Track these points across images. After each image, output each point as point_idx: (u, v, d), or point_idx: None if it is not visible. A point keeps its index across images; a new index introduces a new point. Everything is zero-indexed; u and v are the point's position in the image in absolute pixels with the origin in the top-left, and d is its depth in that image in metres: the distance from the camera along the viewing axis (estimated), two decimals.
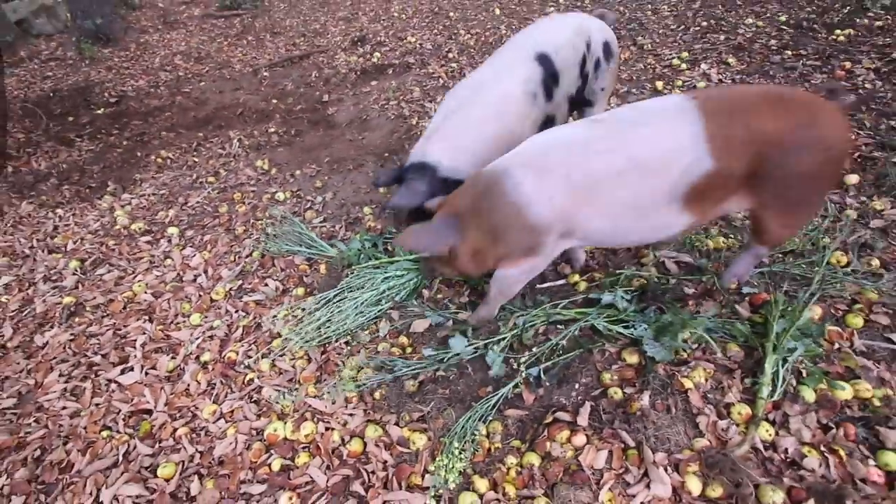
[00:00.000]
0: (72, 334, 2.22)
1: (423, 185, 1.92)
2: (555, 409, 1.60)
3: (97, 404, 1.89)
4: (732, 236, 2.12)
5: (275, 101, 4.65)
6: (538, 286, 2.05)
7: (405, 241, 1.65)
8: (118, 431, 1.77)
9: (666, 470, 1.38)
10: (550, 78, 2.07)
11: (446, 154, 1.95)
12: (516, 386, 1.66)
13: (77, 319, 2.31)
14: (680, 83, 3.48)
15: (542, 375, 1.68)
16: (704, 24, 4.38)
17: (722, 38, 4.06)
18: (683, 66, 3.70)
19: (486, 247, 1.62)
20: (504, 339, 1.78)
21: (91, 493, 1.59)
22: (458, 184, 1.78)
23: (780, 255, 2.02)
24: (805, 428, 1.44)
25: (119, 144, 4.26)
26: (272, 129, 4.02)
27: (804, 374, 1.57)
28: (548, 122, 2.16)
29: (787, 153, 1.42)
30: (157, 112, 4.88)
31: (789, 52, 3.63)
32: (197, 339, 2.08)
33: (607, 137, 1.49)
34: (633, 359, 1.69)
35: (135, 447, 1.71)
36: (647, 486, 1.36)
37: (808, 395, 1.51)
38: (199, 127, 4.38)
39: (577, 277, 2.04)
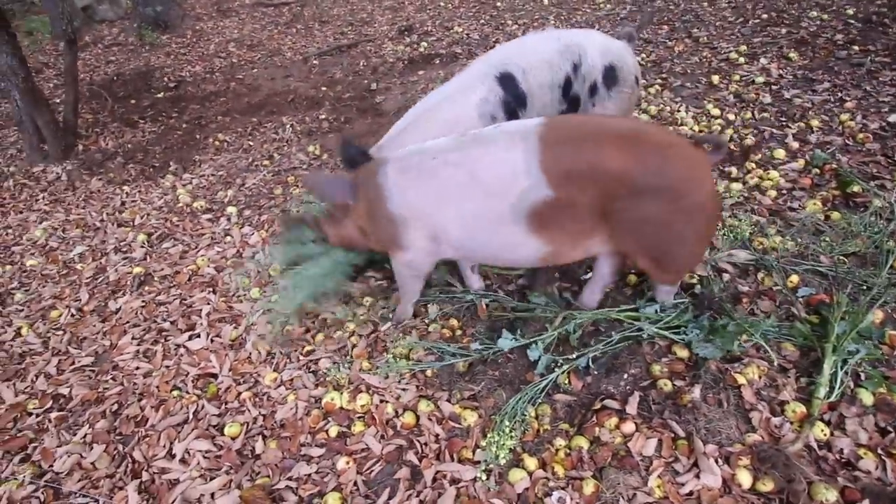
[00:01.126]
0: (143, 301, 2.39)
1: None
2: (603, 396, 1.63)
3: (167, 366, 2.03)
4: (791, 237, 2.08)
5: (324, 88, 4.78)
6: (584, 277, 2.07)
7: (310, 180, 1.91)
8: (187, 392, 1.91)
9: (716, 462, 1.40)
10: (514, 100, 1.94)
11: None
12: (565, 373, 1.69)
13: (147, 288, 2.48)
14: (737, 77, 3.39)
15: (591, 364, 1.71)
16: (765, 16, 4.23)
17: (783, 31, 3.91)
18: (741, 59, 3.59)
19: (365, 223, 1.77)
20: (551, 337, 1.79)
21: (164, 446, 1.72)
22: None
23: (842, 258, 1.96)
24: (862, 430, 1.43)
25: (179, 127, 4.48)
26: (322, 116, 4.14)
27: (863, 378, 1.55)
28: None
29: (634, 197, 1.40)
30: (212, 97, 5.09)
31: (856, 48, 3.46)
32: (257, 311, 2.20)
33: (460, 151, 1.55)
34: (683, 353, 1.70)
35: (203, 406, 1.84)
36: (697, 476, 1.38)
37: (867, 398, 1.49)
38: (253, 112, 4.55)
39: (632, 278, 2.02)
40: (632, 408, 1.57)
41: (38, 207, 3.49)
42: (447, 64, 4.53)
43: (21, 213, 3.46)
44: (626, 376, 1.69)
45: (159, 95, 5.31)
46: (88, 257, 2.84)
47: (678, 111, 3.14)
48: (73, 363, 2.12)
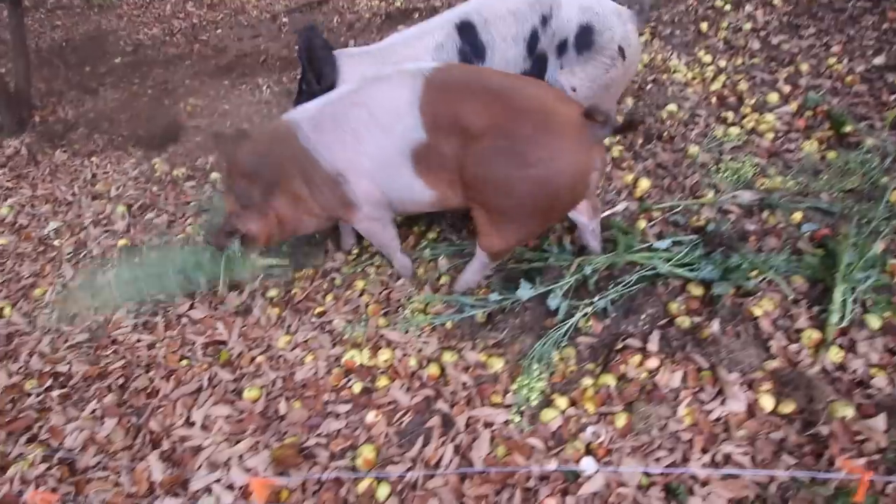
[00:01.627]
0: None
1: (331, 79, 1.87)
2: (624, 336, 1.66)
3: (171, 337, 1.95)
4: (792, 178, 2.12)
5: (296, 46, 4.52)
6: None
7: (221, 144, 1.85)
8: (197, 360, 1.84)
9: (740, 388, 1.45)
10: (471, 50, 1.82)
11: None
12: (585, 317, 1.70)
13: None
14: (725, 24, 3.37)
15: (609, 307, 1.73)
16: None
17: None
18: (727, 7, 3.57)
19: (304, 194, 1.71)
20: (568, 283, 1.79)
21: (181, 415, 1.67)
22: None
23: (840, 194, 2.02)
24: (872, 352, 1.50)
25: (143, 93, 4.19)
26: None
27: (869, 304, 1.61)
28: None
29: (482, 153, 1.39)
30: (176, 60, 4.76)
31: None
32: (258, 276, 2.12)
33: (361, 90, 1.56)
34: (698, 291, 1.73)
35: (216, 374, 1.78)
36: (723, 403, 1.43)
37: (875, 322, 1.56)
38: (223, 75, 4.29)
39: (641, 223, 2.03)
40: (653, 345, 1.60)
41: (8, 184, 3.24)
42: (427, 18, 4.34)
43: None
44: (643, 316, 1.71)
45: (117, 61, 4.94)
46: (65, 233, 2.66)
47: (670, 59, 3.12)
48: (67, 340, 2.01)
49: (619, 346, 1.63)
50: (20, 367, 1.92)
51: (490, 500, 1.33)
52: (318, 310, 1.94)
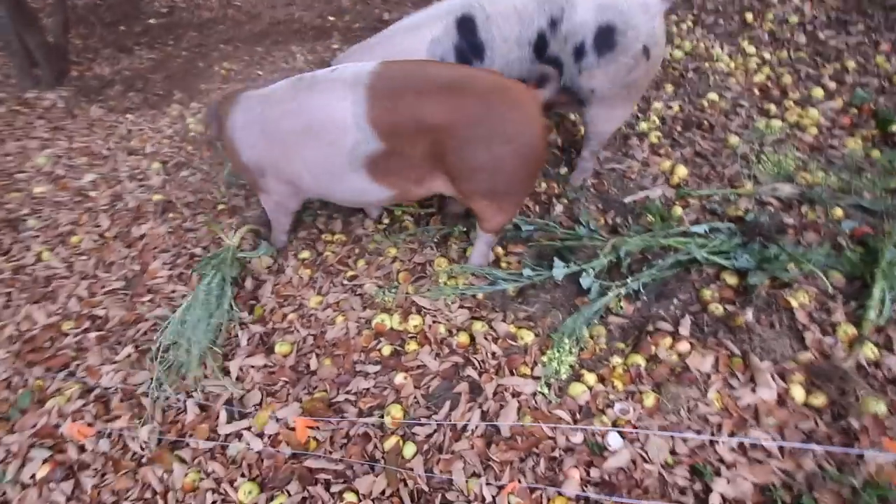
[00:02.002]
0: (169, 227, 2.31)
1: None
2: (655, 319, 1.66)
3: None
4: (833, 173, 2.08)
5: (331, 17, 4.51)
6: (626, 200, 2.07)
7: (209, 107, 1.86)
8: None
9: (772, 377, 1.44)
10: (469, 48, 1.69)
11: None
12: (617, 298, 1.70)
13: (171, 215, 2.40)
14: (771, 16, 3.28)
15: (641, 289, 1.72)
16: None
17: None
18: None
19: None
20: (601, 264, 1.79)
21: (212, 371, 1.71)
22: None
23: (883, 193, 1.98)
24: None
25: (178, 55, 4.21)
26: (335, 46, 3.92)
27: None
28: None
29: (463, 146, 1.40)
30: (210, 24, 4.77)
31: None
32: (291, 237, 2.15)
33: (296, 100, 1.53)
34: (732, 280, 1.72)
35: (247, 326, 1.82)
36: (753, 391, 1.43)
37: None
38: (257, 41, 4.29)
39: (678, 210, 2.01)
40: (685, 329, 1.60)
41: (36, 135, 3.29)
42: None
43: (19, 140, 3.26)
44: (675, 301, 1.71)
45: (151, 21, 4.95)
46: (102, 185, 2.71)
47: (713, 48, 3.05)
48: (104, 286, 2.06)
49: (650, 328, 1.63)
50: (58, 309, 1.97)
51: (515, 467, 1.35)
52: (350, 273, 1.96)
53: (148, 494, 1.40)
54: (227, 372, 1.66)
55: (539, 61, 1.67)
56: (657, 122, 2.56)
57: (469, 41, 1.67)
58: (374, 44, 1.84)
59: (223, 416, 1.55)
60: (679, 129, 2.53)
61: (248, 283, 1.99)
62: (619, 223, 2.02)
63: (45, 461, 1.49)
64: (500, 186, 1.52)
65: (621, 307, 1.71)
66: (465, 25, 1.66)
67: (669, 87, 2.81)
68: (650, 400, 1.42)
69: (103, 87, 3.79)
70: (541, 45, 1.65)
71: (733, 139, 2.34)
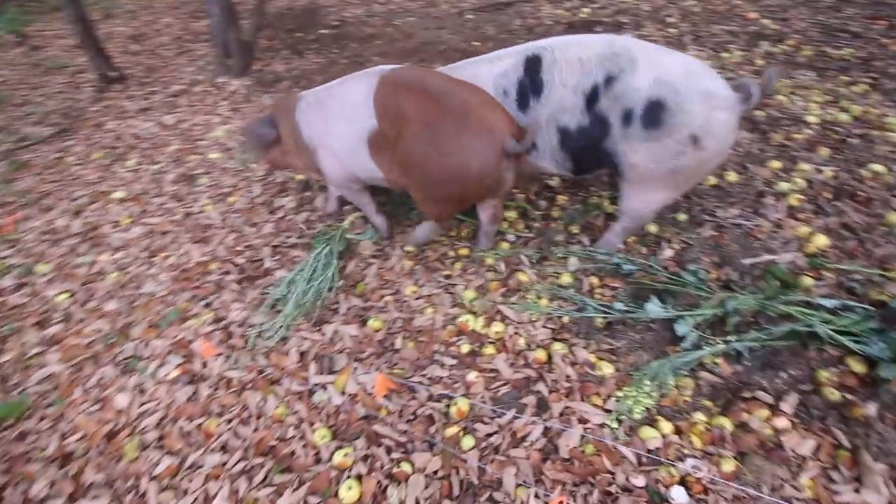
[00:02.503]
0: (303, 202, 2.65)
1: None
2: (755, 387, 1.53)
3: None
4: None
5: (475, 43, 4.81)
6: (744, 261, 1.93)
7: (244, 130, 2.25)
8: (340, 287, 2.11)
9: (884, 482, 1.26)
10: (530, 84, 1.73)
11: None
12: (714, 355, 1.61)
13: (307, 193, 2.75)
14: None
15: (745, 354, 1.60)
16: None
17: None
18: None
19: (291, 150, 2.09)
20: (704, 315, 1.70)
21: (316, 328, 1.94)
22: None
23: None
24: None
25: (339, 62, 4.81)
26: None
27: None
28: None
29: (411, 138, 1.62)
30: (370, 38, 5.36)
31: None
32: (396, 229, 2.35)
33: (338, 85, 1.93)
34: (859, 367, 1.53)
35: (349, 299, 2.03)
36: (857, 490, 1.26)
37: None
38: (406, 57, 4.73)
39: (807, 280, 1.84)
40: (788, 406, 1.46)
41: (219, 112, 3.99)
42: (610, 33, 4.31)
43: (206, 115, 3.98)
44: (784, 375, 1.56)
45: (323, 31, 5.71)
46: None
47: (886, 116, 2.71)
48: (246, 241, 2.44)
49: (747, 394, 1.51)
50: (209, 251, 2.38)
51: (566, 489, 1.34)
52: (446, 272, 2.10)
53: (245, 414, 1.63)
54: (322, 332, 1.87)
55: (589, 114, 1.67)
56: (802, 183, 2.35)
57: (531, 78, 1.74)
58: (458, 66, 2.01)
59: (313, 367, 1.75)
60: (828, 195, 2.29)
61: (357, 264, 2.22)
62: (733, 280, 1.90)
63: (176, 366, 1.81)
64: (422, 187, 1.75)
65: (717, 364, 1.60)
66: (532, 64, 1.74)
67: (825, 151, 2.56)
68: (729, 465, 1.32)
69: (276, 81, 4.47)
70: (592, 98, 1.65)
71: (893, 217, 2.07)
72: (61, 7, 4.49)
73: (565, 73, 1.67)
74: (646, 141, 1.58)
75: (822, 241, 2.00)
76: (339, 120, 1.87)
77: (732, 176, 2.40)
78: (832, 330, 1.57)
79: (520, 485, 1.35)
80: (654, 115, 1.54)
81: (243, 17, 5.55)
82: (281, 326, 1.89)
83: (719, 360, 1.60)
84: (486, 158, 1.57)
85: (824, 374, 1.52)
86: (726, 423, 1.43)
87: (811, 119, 2.70)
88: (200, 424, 1.64)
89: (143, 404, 1.73)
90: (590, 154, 1.75)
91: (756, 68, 3.29)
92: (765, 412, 1.44)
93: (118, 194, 2.89)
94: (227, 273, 2.22)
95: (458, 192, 1.67)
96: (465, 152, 1.56)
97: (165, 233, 2.54)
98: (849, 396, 1.47)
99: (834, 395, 1.47)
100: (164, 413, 1.69)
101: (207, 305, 2.06)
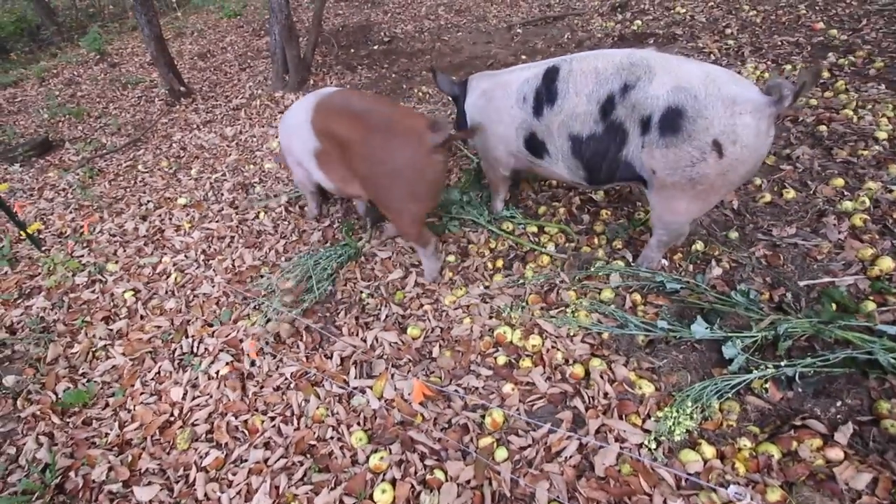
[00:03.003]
0: (345, 210, 2.76)
1: (459, 90, 2.31)
2: (806, 415, 1.45)
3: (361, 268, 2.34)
4: None
5: (524, 56, 4.84)
6: (800, 283, 1.83)
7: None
8: (381, 294, 2.17)
9: None
10: (546, 92, 1.80)
11: (473, 93, 2.21)
12: (763, 379, 1.54)
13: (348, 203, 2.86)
14: None
15: (797, 380, 1.52)
16: None
17: None
18: None
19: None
20: (753, 337, 1.63)
21: (356, 333, 2.01)
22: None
23: None
24: None
25: (389, 76, 4.97)
26: None
27: None
28: (533, 140, 1.93)
29: (358, 158, 1.86)
30: (419, 54, 5.51)
31: None
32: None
33: (293, 110, 2.21)
34: None
35: (389, 306, 2.09)
36: None
37: None
38: (454, 71, 4.82)
39: (870, 305, 1.72)
40: (843, 437, 1.37)
41: (275, 125, 4.21)
42: (663, 45, 4.23)
43: (263, 126, 4.21)
44: (839, 404, 1.47)
45: (375, 48, 5.92)
46: None
47: None
48: (296, 248, 2.56)
49: (797, 422, 1.43)
50: (261, 255, 2.51)
51: None
52: (485, 284, 2.11)
53: (288, 413, 1.71)
54: (364, 339, 1.94)
55: (602, 122, 1.68)
56: (867, 203, 2.21)
57: (548, 87, 1.81)
58: (491, 74, 2.18)
59: (353, 371, 1.81)
60: None
61: (399, 272, 2.28)
62: (787, 303, 1.81)
63: (227, 364, 1.92)
64: (380, 197, 1.93)
65: (766, 389, 1.53)
66: (550, 74, 1.81)
67: (895, 169, 2.40)
68: (775, 495, 1.26)
69: None
70: (608, 107, 1.66)
71: None
72: (139, 27, 4.91)
73: (580, 82, 1.72)
74: (663, 148, 1.57)
75: (887, 264, 1.87)
76: (294, 139, 2.18)
77: (791, 193, 2.29)
78: (893, 357, 1.46)
79: (553, 500, 1.34)
80: (673, 122, 1.53)
81: (301, 34, 5.88)
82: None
83: (769, 385, 1.53)
84: (417, 154, 1.76)
85: (885, 406, 1.42)
86: (773, 451, 1.36)
87: (881, 135, 2.54)
88: (246, 420, 1.73)
89: (195, 398, 1.84)
90: (603, 163, 1.76)
91: (822, 80, 3.13)
92: (817, 441, 1.36)
93: (181, 200, 3.11)
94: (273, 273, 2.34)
95: (408, 191, 1.85)
96: (398, 154, 1.76)
97: (222, 237, 2.71)
98: None
99: (895, 427, 1.37)
100: (213, 407, 1.79)
101: (256, 308, 2.18)
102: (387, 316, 2.03)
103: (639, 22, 4.81)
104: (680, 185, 1.62)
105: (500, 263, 2.21)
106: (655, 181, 1.67)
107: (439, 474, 1.44)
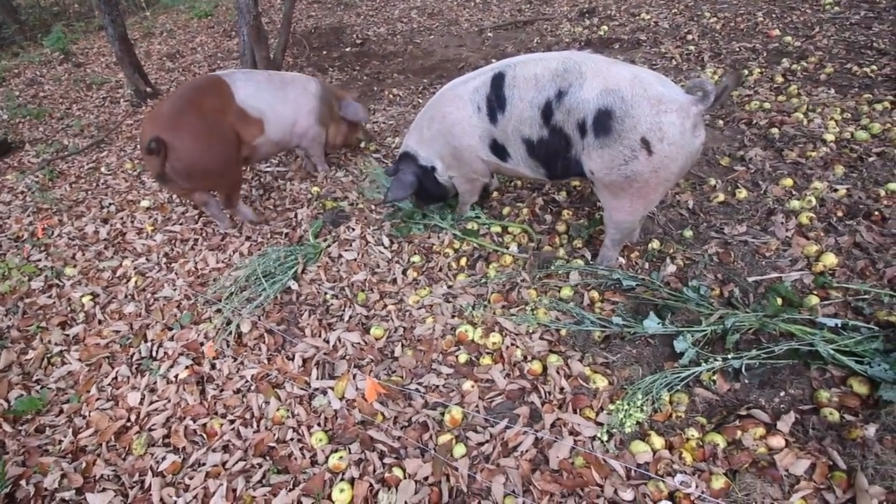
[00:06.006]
0: (316, 212, 2.75)
1: (410, 175, 2.24)
2: (750, 405, 1.51)
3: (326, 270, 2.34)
4: None
5: (493, 60, 4.88)
6: (749, 278, 1.90)
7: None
8: (345, 296, 2.17)
9: None
10: (496, 100, 1.86)
11: (420, 146, 2.22)
12: (712, 371, 1.59)
13: (317, 203, 2.85)
14: None
15: (744, 371, 1.59)
16: None
17: None
18: None
19: None
20: (702, 331, 1.69)
21: (319, 334, 2.00)
22: (434, 171, 2.23)
23: None
24: None
25: (361, 78, 4.96)
26: None
27: None
28: (495, 145, 1.98)
29: (170, 157, 2.19)
30: (391, 56, 5.52)
31: None
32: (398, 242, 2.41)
33: None
34: (861, 388, 1.49)
35: (353, 307, 2.09)
36: None
37: None
38: (425, 74, 4.85)
39: (813, 299, 1.81)
40: (784, 425, 1.43)
41: None
42: (628, 50, 4.34)
43: None
44: (782, 394, 1.54)
45: (347, 50, 5.90)
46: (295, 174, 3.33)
47: None
48: (260, 248, 2.53)
49: (743, 412, 1.49)
50: (225, 258, 2.48)
51: (555, 500, 1.35)
52: (448, 284, 2.14)
53: (247, 415, 1.69)
54: (326, 340, 1.93)
55: (546, 127, 1.77)
56: (814, 202, 2.31)
57: (497, 94, 1.86)
58: (449, 86, 2.11)
59: (315, 372, 1.80)
60: (840, 214, 2.25)
61: (361, 273, 2.28)
62: (736, 298, 1.88)
63: (186, 367, 1.89)
64: (195, 184, 2.35)
65: (714, 382, 1.59)
66: (497, 81, 1.85)
67: (840, 169, 2.51)
68: (719, 483, 1.31)
69: None
70: (547, 112, 1.74)
71: None
72: (103, 26, 4.79)
73: (523, 89, 1.78)
74: (599, 149, 1.66)
75: (831, 259, 1.96)
76: None
77: (743, 193, 2.38)
78: (834, 349, 1.54)
79: (508, 494, 1.37)
80: (604, 123, 1.61)
81: (272, 36, 5.82)
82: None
83: (716, 377, 1.59)
84: (198, 143, 2.20)
85: (824, 395, 1.49)
86: (719, 440, 1.41)
87: (828, 137, 2.66)
88: (205, 424, 1.71)
89: (152, 403, 1.81)
90: (558, 161, 1.85)
91: (775, 85, 3.26)
92: (760, 430, 1.42)
93: (145, 203, 3.04)
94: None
95: (202, 171, 2.27)
96: (183, 145, 2.16)
97: (185, 240, 2.67)
98: (848, 417, 1.43)
99: (833, 415, 1.44)
100: (171, 412, 1.77)
101: (218, 312, 2.15)
102: (350, 317, 2.03)
103: (605, 28, 4.92)
104: (619, 184, 1.70)
105: (463, 262, 2.24)
106: (597, 181, 1.76)
107: (398, 472, 1.45)
